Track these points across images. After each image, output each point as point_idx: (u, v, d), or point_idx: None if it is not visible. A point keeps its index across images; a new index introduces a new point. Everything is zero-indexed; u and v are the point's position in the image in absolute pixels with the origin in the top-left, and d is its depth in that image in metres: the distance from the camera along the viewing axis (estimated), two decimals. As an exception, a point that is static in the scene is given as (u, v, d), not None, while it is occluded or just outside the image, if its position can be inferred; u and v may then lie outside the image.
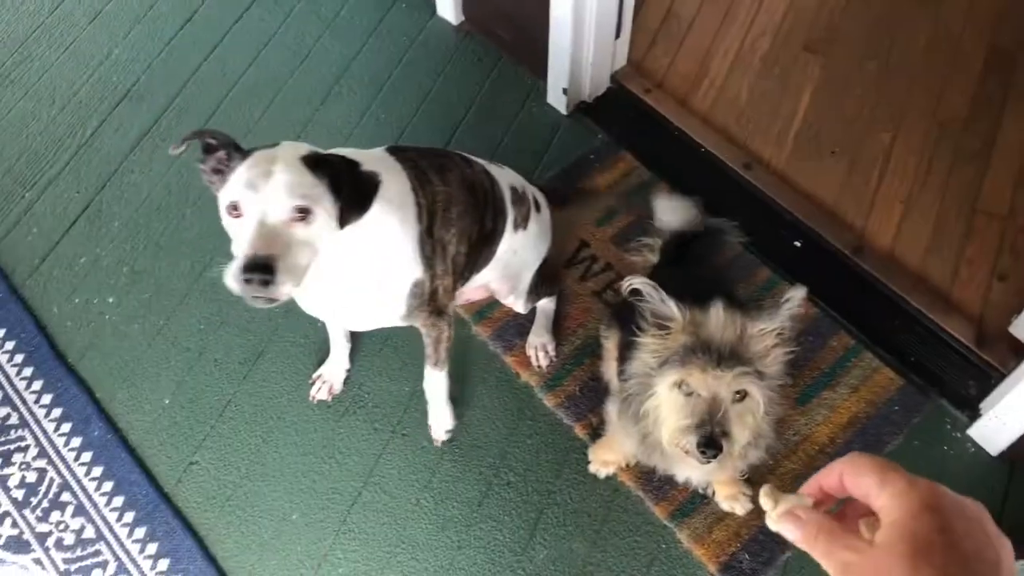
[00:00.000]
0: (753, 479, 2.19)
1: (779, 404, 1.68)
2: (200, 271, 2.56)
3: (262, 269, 1.46)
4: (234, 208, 1.51)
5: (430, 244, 1.83)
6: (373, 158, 1.79)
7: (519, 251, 2.17)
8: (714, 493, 2.18)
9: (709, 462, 1.57)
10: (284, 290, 1.49)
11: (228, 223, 1.54)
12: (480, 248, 2.02)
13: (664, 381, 1.59)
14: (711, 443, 1.53)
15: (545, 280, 2.31)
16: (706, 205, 2.57)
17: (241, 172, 1.52)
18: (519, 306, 2.31)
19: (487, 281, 2.21)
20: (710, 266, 2.50)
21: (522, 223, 2.15)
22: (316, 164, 1.56)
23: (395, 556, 2.15)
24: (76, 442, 2.31)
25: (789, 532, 0.63)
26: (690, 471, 1.81)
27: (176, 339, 2.46)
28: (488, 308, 2.45)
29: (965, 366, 2.36)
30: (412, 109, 2.85)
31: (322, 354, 2.39)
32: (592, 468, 2.24)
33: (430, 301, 1.89)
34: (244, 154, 1.56)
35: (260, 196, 1.49)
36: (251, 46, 3.00)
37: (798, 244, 2.56)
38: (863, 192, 2.65)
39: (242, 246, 1.49)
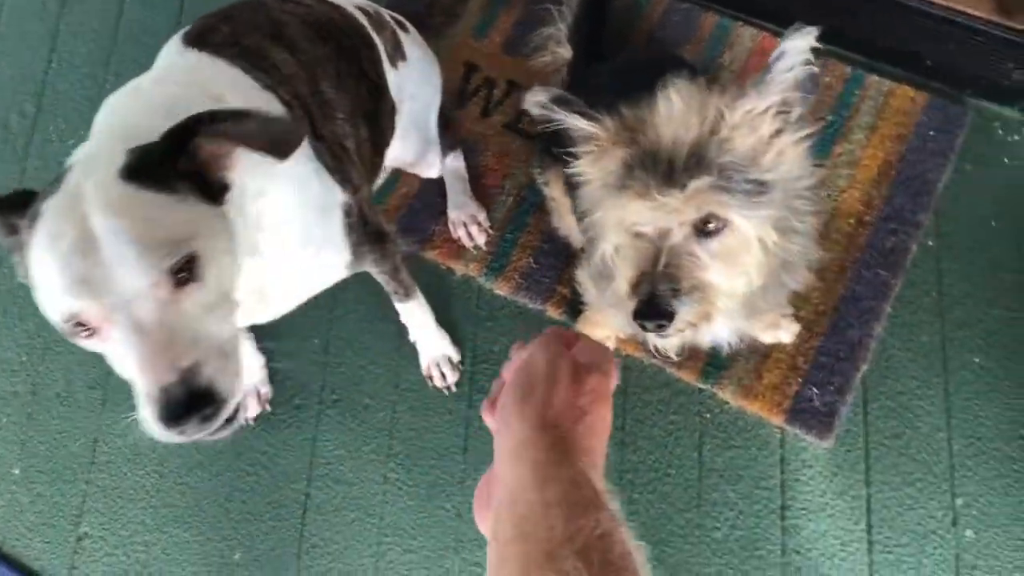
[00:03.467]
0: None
1: (811, 214, 1.12)
2: (-7, 287, 1.87)
3: (196, 403, 0.88)
4: (77, 326, 0.86)
5: (326, 150, 1.20)
6: (179, 72, 1.12)
7: (414, 92, 1.54)
8: (748, 330, 1.65)
9: (664, 335, 1.08)
10: (235, 402, 0.94)
11: (78, 342, 0.89)
12: (378, 115, 1.39)
13: (606, 221, 1.09)
14: (651, 310, 1.02)
15: (449, 125, 1.68)
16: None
17: (42, 261, 0.85)
18: (435, 168, 1.68)
19: (396, 155, 1.58)
20: (640, 37, 1.87)
21: (397, 54, 1.50)
22: (152, 167, 0.90)
23: (383, 543, 1.62)
24: (-80, 571, 1.70)
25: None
26: (712, 331, 1.26)
27: (-4, 387, 1.81)
28: (377, 198, 1.80)
29: (996, 48, 1.78)
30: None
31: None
32: (586, 353, 1.68)
33: (365, 227, 1.28)
34: (26, 208, 0.89)
35: (105, 290, 0.84)
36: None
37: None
38: None
39: (136, 378, 0.87)
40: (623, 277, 1.08)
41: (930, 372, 1.62)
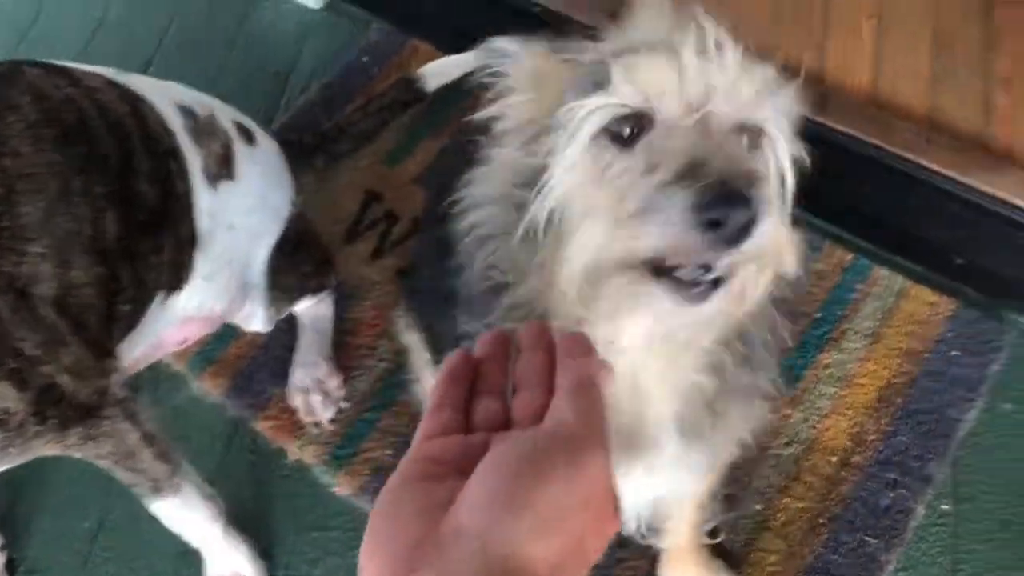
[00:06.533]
0: (734, 542, 1.16)
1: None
2: None
3: None
4: None
5: None
6: None
7: (235, 221, 1.13)
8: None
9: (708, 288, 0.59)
10: None
11: None
12: (140, 253, 0.99)
13: (575, 130, 0.62)
14: (730, 195, 0.54)
15: (301, 265, 1.25)
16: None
17: None
18: (256, 320, 1.25)
19: (197, 303, 1.14)
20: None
21: (222, 170, 1.11)
22: None
23: None
24: None
25: None
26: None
27: None
28: (214, 344, 1.38)
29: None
30: (81, 40, 1.78)
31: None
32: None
33: (56, 408, 0.86)
34: None
35: None
36: None
37: (722, 117, 1.53)
38: (808, 13, 1.63)
39: None
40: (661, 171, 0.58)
41: None
